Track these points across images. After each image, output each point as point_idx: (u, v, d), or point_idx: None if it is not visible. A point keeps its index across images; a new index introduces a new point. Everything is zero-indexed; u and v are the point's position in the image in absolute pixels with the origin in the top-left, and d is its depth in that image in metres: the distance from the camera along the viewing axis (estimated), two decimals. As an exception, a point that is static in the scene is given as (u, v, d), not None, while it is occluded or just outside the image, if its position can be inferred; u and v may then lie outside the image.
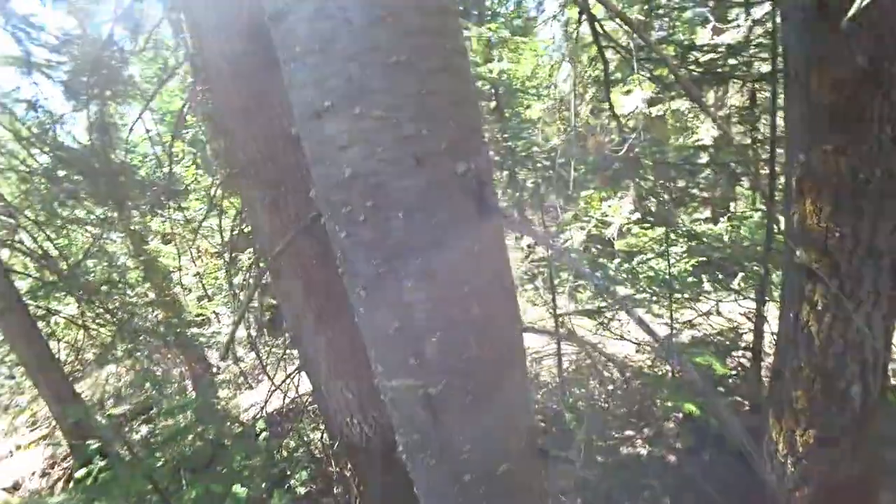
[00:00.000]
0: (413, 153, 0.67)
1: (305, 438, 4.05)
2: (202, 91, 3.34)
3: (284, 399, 4.38)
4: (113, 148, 5.10)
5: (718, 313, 3.67)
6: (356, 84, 0.64)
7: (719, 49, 2.62)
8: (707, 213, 5.96)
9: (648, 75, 2.67)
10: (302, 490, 3.41)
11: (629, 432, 3.54)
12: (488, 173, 0.76)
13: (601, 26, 2.22)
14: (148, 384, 5.70)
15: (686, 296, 3.83)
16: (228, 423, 4.22)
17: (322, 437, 3.88)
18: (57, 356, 5.55)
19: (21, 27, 4.78)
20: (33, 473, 5.95)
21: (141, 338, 5.96)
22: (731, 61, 2.80)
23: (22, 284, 5.84)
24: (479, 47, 5.89)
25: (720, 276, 4.20)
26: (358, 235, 0.74)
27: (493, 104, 8.49)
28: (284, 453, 3.87)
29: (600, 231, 4.97)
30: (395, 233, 0.71)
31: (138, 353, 6.22)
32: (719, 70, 2.61)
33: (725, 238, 4.73)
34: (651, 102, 3.80)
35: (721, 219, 4.94)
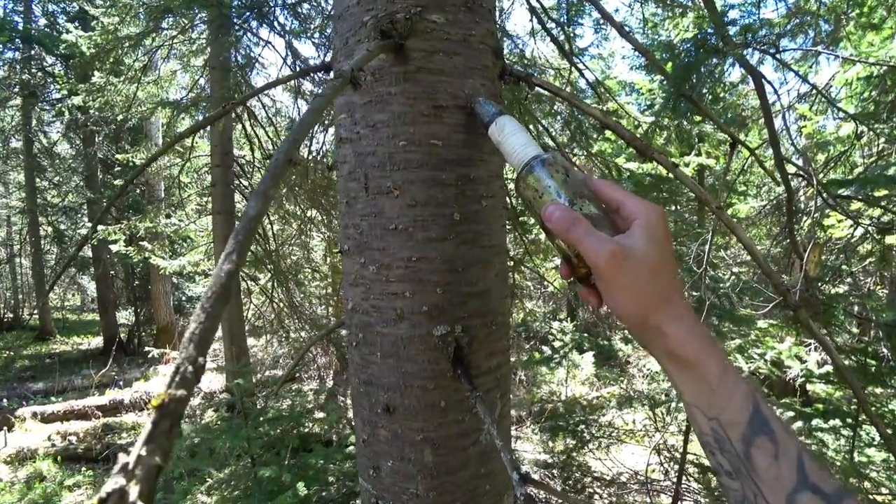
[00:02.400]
0: (395, 307, 0.74)
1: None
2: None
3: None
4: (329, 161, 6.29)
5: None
6: (363, 239, 0.75)
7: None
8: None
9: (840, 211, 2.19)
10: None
11: None
12: (481, 340, 0.78)
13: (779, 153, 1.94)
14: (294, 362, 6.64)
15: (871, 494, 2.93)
16: (342, 422, 4.63)
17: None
18: (245, 314, 6.94)
19: (300, 64, 6.26)
20: (199, 393, 7.38)
21: (306, 322, 7.06)
22: None
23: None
24: (677, 138, 5.56)
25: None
26: (351, 354, 0.84)
27: (692, 195, 7.85)
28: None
29: (772, 372, 4.14)
30: (371, 367, 0.79)
31: (302, 333, 7.33)
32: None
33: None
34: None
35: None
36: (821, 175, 3.37)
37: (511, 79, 0.84)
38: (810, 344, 3.70)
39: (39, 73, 9.39)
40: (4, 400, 6.62)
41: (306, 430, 3.56)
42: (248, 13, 4.95)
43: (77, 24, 8.05)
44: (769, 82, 2.17)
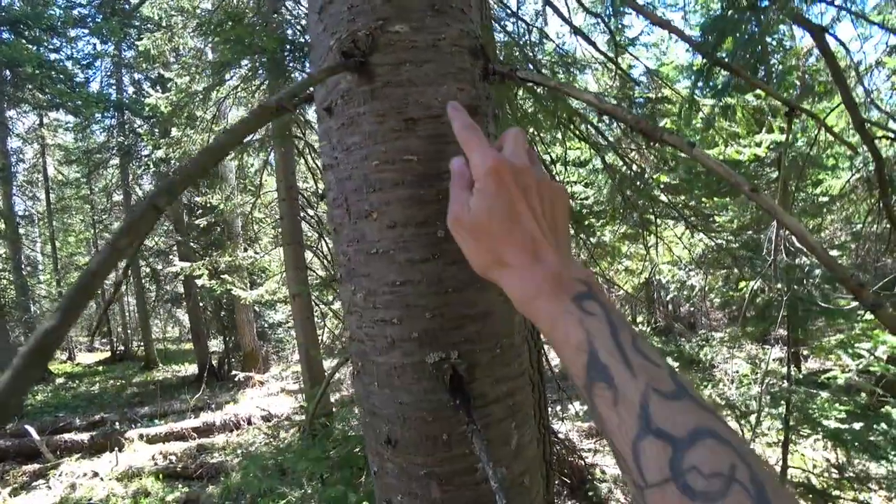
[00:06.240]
0: (386, 335, 0.71)
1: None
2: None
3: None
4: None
5: None
6: (351, 266, 0.73)
7: None
8: None
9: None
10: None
11: None
12: (483, 366, 0.72)
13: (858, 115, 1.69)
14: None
15: None
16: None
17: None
18: (319, 336, 7.25)
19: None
20: (282, 414, 7.75)
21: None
22: None
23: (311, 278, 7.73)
24: (745, 117, 5.11)
25: None
26: (355, 384, 0.81)
27: (774, 174, 7.24)
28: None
29: (887, 370, 3.61)
30: (371, 397, 0.76)
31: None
32: None
33: None
34: None
35: None
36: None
37: (496, 77, 0.79)
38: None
39: (131, 135, 10.60)
40: (117, 423, 7.39)
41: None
42: (296, 53, 5.26)
43: (158, 87, 8.97)
44: (839, 39, 1.92)
